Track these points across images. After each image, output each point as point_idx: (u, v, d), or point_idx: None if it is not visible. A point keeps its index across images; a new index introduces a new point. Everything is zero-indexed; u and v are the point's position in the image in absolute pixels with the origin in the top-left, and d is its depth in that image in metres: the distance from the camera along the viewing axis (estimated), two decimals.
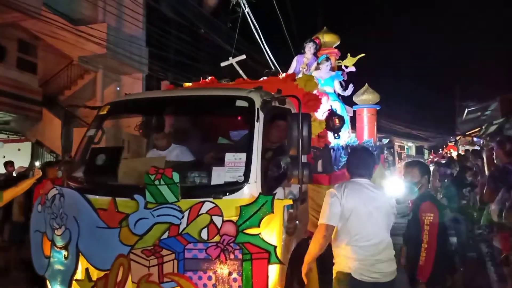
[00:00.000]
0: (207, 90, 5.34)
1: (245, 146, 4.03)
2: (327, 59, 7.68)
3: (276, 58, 11.59)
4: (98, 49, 16.74)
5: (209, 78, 6.46)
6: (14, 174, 10.45)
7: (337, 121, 5.25)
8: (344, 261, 3.55)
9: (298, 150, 4.08)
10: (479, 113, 23.60)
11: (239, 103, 4.24)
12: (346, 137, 6.98)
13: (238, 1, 12.13)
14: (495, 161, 5.28)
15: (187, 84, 6.89)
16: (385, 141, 9.35)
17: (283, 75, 6.38)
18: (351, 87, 7.69)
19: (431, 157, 30.91)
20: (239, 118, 4.85)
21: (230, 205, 3.69)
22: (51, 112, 17.07)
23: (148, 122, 5.58)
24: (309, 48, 7.84)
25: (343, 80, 7.89)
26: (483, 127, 21.20)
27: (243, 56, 7.54)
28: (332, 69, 7.93)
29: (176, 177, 3.72)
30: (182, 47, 19.68)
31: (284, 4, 15.51)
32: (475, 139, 23.23)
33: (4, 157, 15.20)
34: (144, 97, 5.75)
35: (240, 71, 7.33)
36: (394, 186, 15.17)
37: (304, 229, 4.69)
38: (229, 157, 3.94)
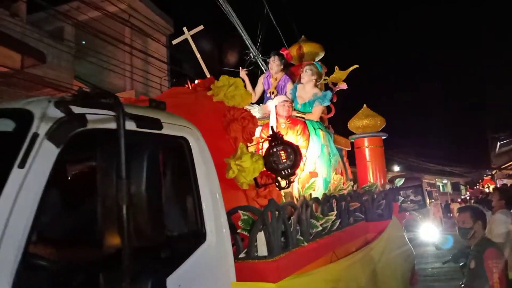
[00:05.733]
0: None
1: None
2: (313, 68, 4.80)
3: None
4: None
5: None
6: None
7: (282, 154, 2.40)
8: None
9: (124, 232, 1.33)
10: None
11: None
12: (333, 182, 4.08)
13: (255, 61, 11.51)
14: None
15: None
16: (399, 182, 5.69)
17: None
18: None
19: (468, 193, 26.51)
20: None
21: None
22: None
23: None
24: (271, 63, 4.99)
25: (331, 102, 5.00)
26: None
27: (201, 27, 4.85)
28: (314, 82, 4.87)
29: None
30: None
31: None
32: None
33: None
34: None
35: (197, 53, 4.71)
36: (428, 232, 11.84)
37: None
38: None
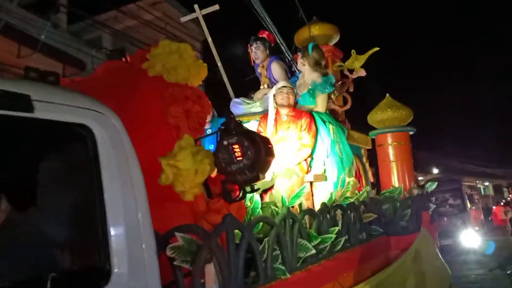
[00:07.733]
0: None
1: None
2: (304, 51, 3.83)
3: None
4: None
5: None
6: None
7: (236, 149, 1.55)
8: None
9: None
10: None
11: None
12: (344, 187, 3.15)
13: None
14: None
15: None
16: (430, 186, 4.61)
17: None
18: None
19: (511, 196, 24.18)
20: None
21: None
22: None
23: None
24: (255, 52, 4.10)
25: (348, 92, 4.07)
26: None
27: (216, 7, 4.08)
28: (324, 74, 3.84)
29: None
30: None
31: None
32: None
33: None
34: None
35: (206, 31, 4.00)
36: (469, 238, 10.78)
37: None
38: None
